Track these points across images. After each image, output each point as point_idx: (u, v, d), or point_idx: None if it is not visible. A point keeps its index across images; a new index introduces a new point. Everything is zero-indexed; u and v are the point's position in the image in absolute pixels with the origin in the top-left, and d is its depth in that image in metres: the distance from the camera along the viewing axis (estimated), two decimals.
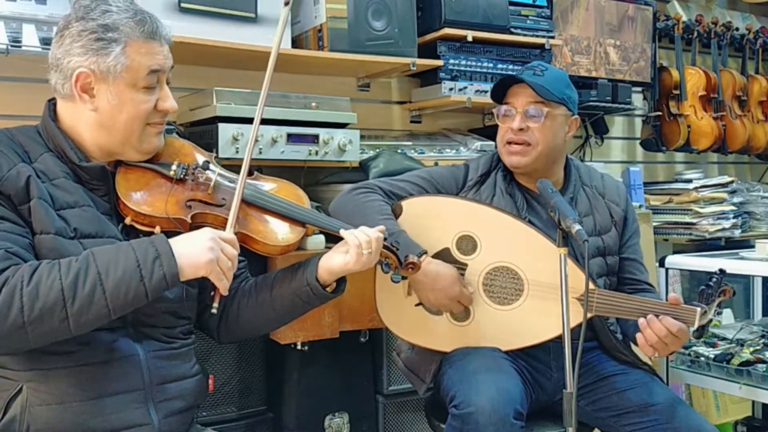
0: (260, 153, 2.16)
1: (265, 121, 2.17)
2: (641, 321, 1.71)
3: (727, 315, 3.16)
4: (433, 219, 1.87)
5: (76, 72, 1.35)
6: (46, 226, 1.29)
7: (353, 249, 1.49)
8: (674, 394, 1.83)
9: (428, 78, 2.77)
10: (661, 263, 2.81)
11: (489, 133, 2.83)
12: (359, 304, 2.09)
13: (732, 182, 3.43)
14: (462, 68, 2.69)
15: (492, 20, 2.71)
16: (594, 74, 3.22)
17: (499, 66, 2.75)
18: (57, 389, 1.29)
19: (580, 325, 1.56)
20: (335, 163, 2.37)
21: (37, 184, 1.31)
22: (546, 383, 1.88)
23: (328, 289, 1.54)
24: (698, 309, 1.69)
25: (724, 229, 3.33)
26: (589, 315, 1.76)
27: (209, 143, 2.11)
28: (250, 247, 1.50)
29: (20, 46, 1.97)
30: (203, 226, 1.47)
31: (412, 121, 2.95)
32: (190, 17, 2.16)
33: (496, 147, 1.99)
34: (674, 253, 3.33)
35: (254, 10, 2.27)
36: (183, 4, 2.15)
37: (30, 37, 1.98)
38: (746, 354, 2.52)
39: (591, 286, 1.71)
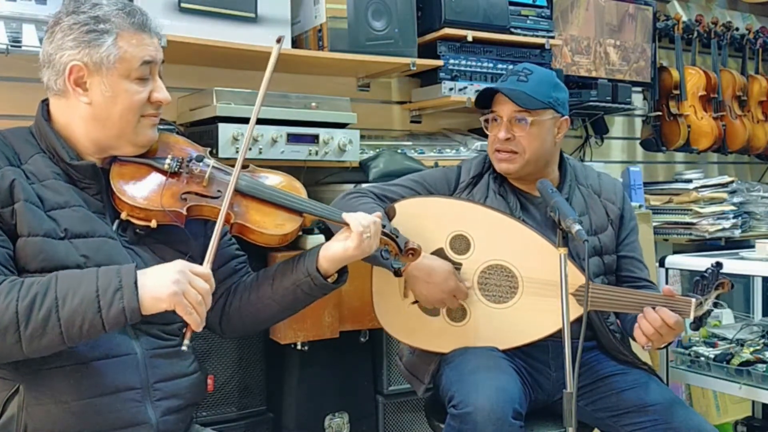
0: (260, 153, 2.16)
1: (265, 121, 2.17)
2: (639, 315, 1.71)
3: (727, 315, 3.16)
4: (427, 219, 1.87)
5: (69, 65, 1.35)
6: (34, 228, 1.29)
7: (356, 233, 1.49)
8: (673, 394, 1.83)
9: (428, 78, 2.77)
10: (661, 263, 2.81)
11: None
12: (359, 304, 2.09)
13: (732, 182, 3.43)
14: (462, 68, 2.69)
15: (492, 20, 2.71)
16: (594, 74, 3.22)
17: (499, 66, 2.75)
18: (54, 389, 1.29)
19: (577, 320, 1.56)
20: (335, 163, 2.37)
21: (23, 187, 1.31)
22: (545, 383, 1.89)
23: (329, 279, 1.54)
24: (693, 300, 1.69)
25: (724, 229, 3.33)
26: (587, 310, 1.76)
27: (209, 143, 2.11)
28: (248, 237, 1.50)
29: (20, 46, 1.97)
30: (199, 219, 1.48)
31: (412, 121, 2.95)
32: (190, 17, 2.16)
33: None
34: (674, 253, 3.33)
35: (254, 10, 2.27)
36: (183, 4, 2.15)
37: (30, 37, 1.98)
38: (746, 354, 2.52)
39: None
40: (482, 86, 2.68)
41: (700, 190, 3.34)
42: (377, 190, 1.92)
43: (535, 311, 1.79)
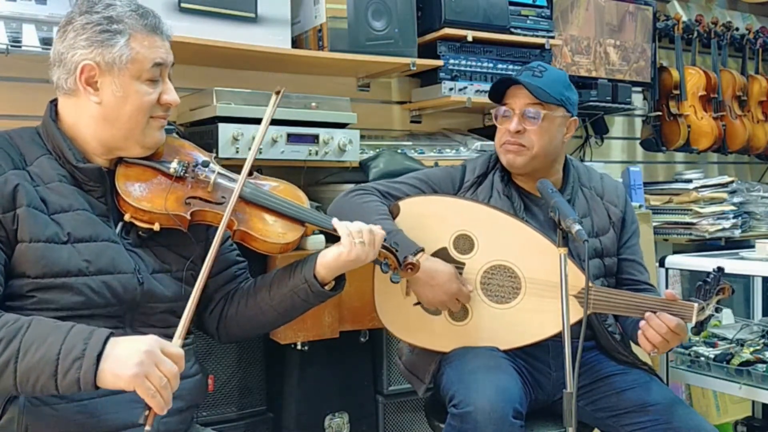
0: (260, 153, 2.16)
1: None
2: (642, 323, 1.71)
3: (727, 315, 3.16)
4: (431, 219, 1.87)
5: (81, 65, 1.36)
6: (36, 234, 1.29)
7: (344, 238, 1.50)
8: (673, 394, 1.83)
9: (428, 78, 2.77)
10: (661, 263, 2.81)
11: (489, 133, 2.83)
12: (359, 304, 2.09)
13: (732, 182, 3.43)
14: (462, 68, 2.69)
15: (492, 20, 2.71)
16: (594, 74, 3.22)
17: (499, 66, 2.75)
18: None
19: (578, 323, 1.56)
20: (335, 163, 2.37)
21: (27, 192, 1.31)
22: (545, 382, 1.89)
23: (326, 287, 1.54)
24: (695, 305, 1.69)
25: (724, 229, 3.33)
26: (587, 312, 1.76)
27: (209, 143, 2.11)
28: (250, 245, 1.50)
29: (20, 46, 1.97)
30: (202, 224, 1.48)
31: (412, 121, 2.95)
32: (190, 17, 2.17)
33: (494, 147, 1.99)
34: (674, 253, 3.33)
35: (254, 10, 2.27)
36: (183, 4, 2.15)
37: (30, 37, 1.98)
38: (746, 354, 2.52)
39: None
40: (482, 86, 2.70)
41: (700, 190, 3.34)
42: (382, 188, 1.92)
43: (537, 312, 1.79)
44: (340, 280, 1.59)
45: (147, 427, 1.20)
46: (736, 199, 3.42)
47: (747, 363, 2.46)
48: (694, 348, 2.65)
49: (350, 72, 2.73)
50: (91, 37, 1.36)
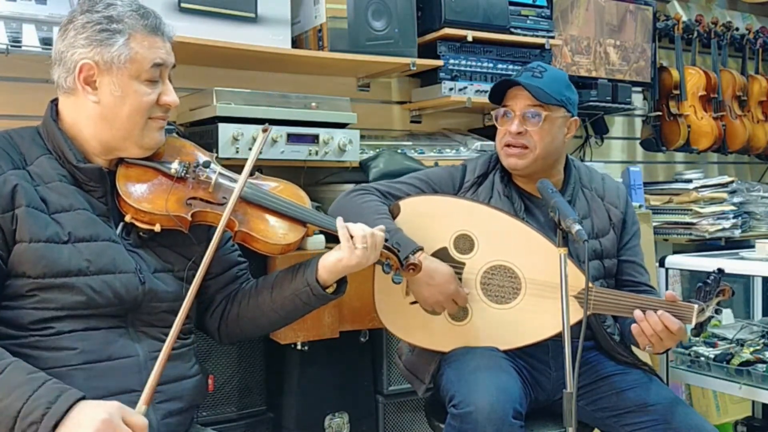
0: (260, 153, 2.15)
1: (265, 122, 2.16)
2: (637, 313, 1.70)
3: (727, 315, 3.16)
4: (431, 218, 1.87)
5: (80, 63, 1.36)
6: (36, 234, 1.29)
7: (344, 243, 1.49)
8: (673, 394, 1.83)
9: (428, 78, 2.77)
10: (661, 263, 2.81)
11: (489, 133, 2.83)
12: (359, 304, 2.09)
13: (732, 182, 3.43)
14: (462, 68, 2.69)
15: (492, 20, 2.71)
16: (594, 74, 3.22)
17: (499, 66, 2.75)
18: None
19: (578, 323, 1.56)
20: (335, 163, 2.37)
21: (26, 192, 1.31)
22: (545, 382, 1.89)
23: (328, 290, 1.54)
24: (696, 306, 1.69)
25: (724, 229, 3.33)
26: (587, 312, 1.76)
27: (209, 143, 2.11)
28: (251, 245, 1.50)
29: (20, 46, 1.97)
30: (204, 225, 1.48)
31: (412, 121, 2.95)
32: (190, 17, 2.17)
33: (495, 148, 1.99)
34: (674, 253, 3.32)
35: (254, 10, 2.27)
36: (183, 4, 2.15)
37: (30, 37, 1.98)
38: (746, 354, 2.52)
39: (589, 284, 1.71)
40: (482, 86, 2.70)
41: (700, 190, 3.34)
42: (382, 188, 1.92)
43: (537, 312, 1.79)
44: (341, 283, 1.58)
45: None
46: (736, 199, 3.42)
47: (747, 363, 2.46)
48: (694, 348, 2.65)
49: (350, 72, 2.73)
50: (91, 36, 1.36)
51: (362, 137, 2.43)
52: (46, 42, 1.98)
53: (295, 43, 2.50)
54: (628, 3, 3.32)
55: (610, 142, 3.63)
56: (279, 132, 2.19)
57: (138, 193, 1.41)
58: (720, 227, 3.32)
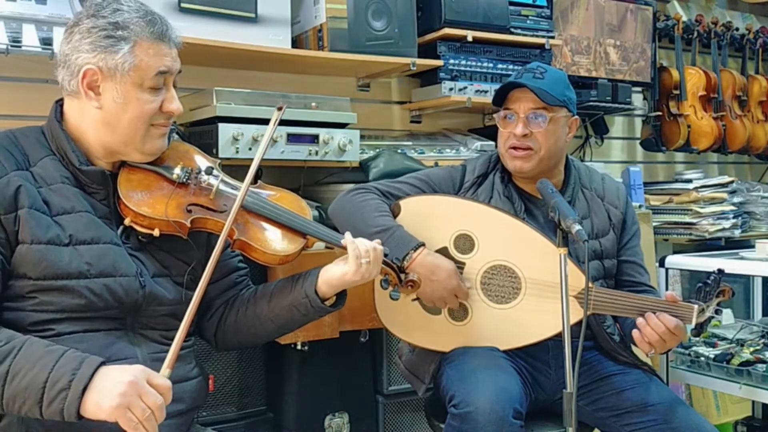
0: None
1: (265, 122, 2.16)
2: (639, 320, 1.71)
3: (727, 315, 3.16)
4: (431, 218, 1.87)
5: (84, 69, 1.35)
6: (37, 236, 1.29)
7: (352, 258, 1.48)
8: (673, 394, 1.83)
9: (428, 78, 2.77)
10: (661, 263, 2.81)
11: (489, 133, 2.83)
12: (359, 304, 2.09)
13: (732, 182, 3.43)
14: (462, 68, 2.69)
15: (492, 20, 2.71)
16: (594, 74, 3.22)
17: (499, 66, 2.75)
18: None
19: (578, 323, 1.56)
20: (335, 163, 2.37)
21: (29, 193, 1.30)
22: (545, 382, 1.89)
23: (327, 302, 1.53)
24: (695, 306, 1.69)
25: (724, 229, 3.33)
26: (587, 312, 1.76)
27: (209, 143, 2.11)
28: (249, 255, 1.48)
29: (20, 46, 1.97)
30: (203, 231, 1.47)
31: (412, 121, 2.95)
32: (190, 17, 2.16)
33: (495, 148, 1.99)
34: (674, 253, 3.33)
35: (254, 10, 2.27)
36: (183, 4, 2.15)
37: (30, 37, 1.98)
38: (746, 354, 2.52)
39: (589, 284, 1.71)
40: (482, 86, 2.70)
41: (700, 190, 3.34)
42: (382, 188, 1.92)
43: (537, 313, 1.79)
44: (340, 296, 1.57)
45: None
46: (736, 199, 3.42)
47: (747, 363, 2.46)
48: (694, 348, 2.65)
49: (350, 72, 2.73)
50: (96, 42, 1.35)
51: (362, 137, 2.43)
52: (46, 42, 1.98)
53: (295, 43, 2.50)
54: (628, 3, 3.32)
55: (610, 142, 3.63)
56: (279, 132, 2.18)
57: (138, 197, 1.40)
58: (720, 227, 3.32)
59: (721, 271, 1.76)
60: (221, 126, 2.09)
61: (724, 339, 2.72)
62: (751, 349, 2.56)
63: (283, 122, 2.19)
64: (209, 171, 1.49)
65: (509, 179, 1.96)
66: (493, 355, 1.78)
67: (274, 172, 2.39)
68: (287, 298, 1.53)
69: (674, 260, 2.80)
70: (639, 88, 3.56)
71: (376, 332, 2.35)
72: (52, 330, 1.31)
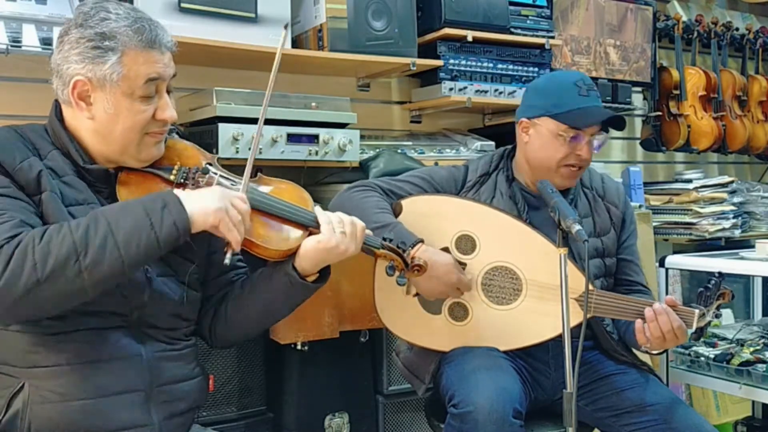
0: (260, 153, 2.16)
1: (265, 121, 2.16)
2: (648, 311, 1.69)
3: (727, 315, 3.16)
4: (433, 218, 1.87)
5: (74, 79, 1.34)
6: (57, 218, 1.29)
7: (324, 226, 1.45)
8: (673, 394, 1.83)
9: (428, 78, 2.77)
10: (661, 263, 2.81)
11: (489, 133, 2.84)
12: (359, 304, 2.09)
13: (732, 182, 3.43)
14: (462, 68, 2.69)
15: (492, 20, 2.71)
16: (594, 74, 3.22)
17: (499, 66, 2.75)
18: (59, 387, 1.29)
19: (578, 326, 1.56)
20: (335, 163, 2.37)
21: (48, 179, 1.31)
22: (545, 382, 1.89)
23: (309, 278, 1.50)
24: (696, 311, 1.70)
25: (724, 229, 3.33)
26: (587, 315, 1.76)
27: (209, 143, 2.11)
28: (252, 251, 1.47)
29: (20, 46, 1.97)
30: (205, 230, 1.47)
31: (412, 121, 2.95)
32: (190, 17, 2.16)
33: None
34: (674, 253, 3.32)
35: (254, 10, 2.27)
36: (183, 4, 2.15)
37: (30, 37, 1.98)
38: (746, 354, 2.52)
39: (590, 287, 1.71)
40: (482, 86, 2.69)
41: (700, 190, 3.34)
42: (384, 185, 1.92)
43: (538, 314, 1.79)
44: (324, 273, 1.53)
45: (226, 259, 1.34)
46: (736, 199, 3.42)
47: (747, 363, 2.46)
48: (694, 348, 2.65)
49: (350, 72, 2.73)
50: (83, 53, 1.34)
51: (362, 137, 2.43)
52: (46, 42, 1.98)
53: (295, 43, 2.50)
54: (628, 3, 3.32)
55: (610, 142, 3.63)
56: (279, 132, 2.18)
57: None
58: (720, 227, 3.32)
59: (721, 275, 1.76)
60: (221, 126, 2.09)
61: (724, 339, 2.72)
62: (751, 349, 2.56)
63: (283, 122, 2.21)
64: (206, 170, 1.48)
65: (513, 179, 1.96)
66: (493, 355, 1.78)
67: (274, 172, 2.37)
68: (269, 281, 1.50)
69: (674, 260, 2.80)
70: (639, 88, 3.56)
71: (376, 332, 2.35)
72: (58, 326, 1.30)
